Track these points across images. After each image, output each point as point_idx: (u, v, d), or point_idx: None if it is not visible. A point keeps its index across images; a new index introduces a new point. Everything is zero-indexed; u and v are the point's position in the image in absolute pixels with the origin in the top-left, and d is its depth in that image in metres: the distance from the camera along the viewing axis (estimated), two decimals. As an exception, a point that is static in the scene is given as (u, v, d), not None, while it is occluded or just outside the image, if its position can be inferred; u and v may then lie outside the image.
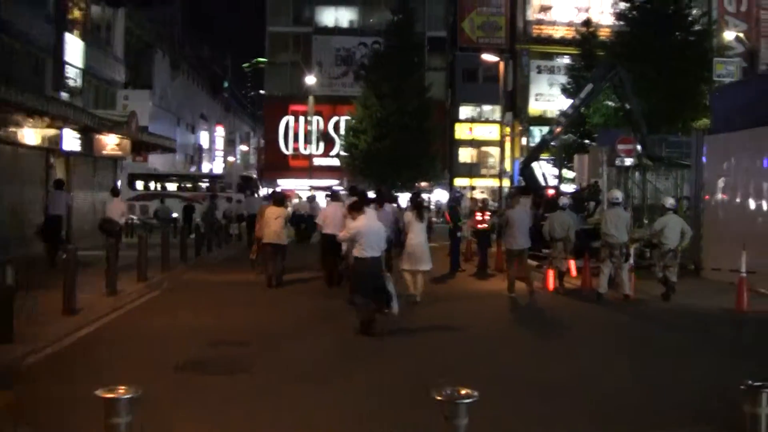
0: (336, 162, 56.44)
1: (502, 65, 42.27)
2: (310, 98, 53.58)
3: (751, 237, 15.80)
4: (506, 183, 42.05)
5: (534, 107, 59.66)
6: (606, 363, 9.77)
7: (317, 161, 57.52)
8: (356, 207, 11.86)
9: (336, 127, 58.53)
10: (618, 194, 16.00)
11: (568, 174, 40.26)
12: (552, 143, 29.90)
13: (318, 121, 58.78)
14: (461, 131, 61.93)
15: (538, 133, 55.14)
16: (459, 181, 60.42)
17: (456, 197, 19.54)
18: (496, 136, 59.79)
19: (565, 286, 16.37)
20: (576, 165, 32.99)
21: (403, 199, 27.88)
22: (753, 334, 12.21)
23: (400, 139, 47.30)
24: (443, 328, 11.88)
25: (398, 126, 47.86)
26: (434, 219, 26.80)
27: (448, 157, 59.85)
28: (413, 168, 47.71)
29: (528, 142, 53.60)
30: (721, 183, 18.47)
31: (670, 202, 15.76)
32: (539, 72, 60.55)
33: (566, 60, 55.20)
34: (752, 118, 17.04)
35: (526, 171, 25.86)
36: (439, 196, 57.63)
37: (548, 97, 59.02)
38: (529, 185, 25.06)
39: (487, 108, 61.98)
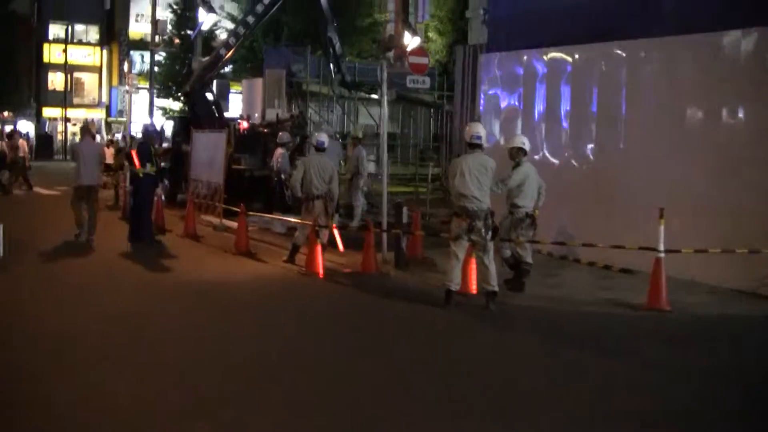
0: None
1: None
2: None
3: (567, 188, 12.28)
4: (100, 114, 36.80)
5: (135, 29, 53.96)
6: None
7: None
8: None
9: None
10: (480, 130, 9.64)
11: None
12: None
13: None
14: (51, 53, 53.91)
15: (139, 59, 50.16)
16: (49, 112, 52.95)
17: (149, 131, 15.90)
18: (92, 61, 54.23)
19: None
20: (244, 91, 28.92)
21: None
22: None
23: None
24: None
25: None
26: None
27: (35, 84, 52.14)
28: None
29: (130, 68, 48.24)
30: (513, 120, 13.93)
31: (527, 143, 10.52)
32: (140, -11, 54.83)
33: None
34: (543, 34, 13.36)
35: (196, 97, 20.80)
36: (28, 129, 48.39)
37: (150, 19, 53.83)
38: (201, 116, 20.06)
39: (80, 28, 55.07)
